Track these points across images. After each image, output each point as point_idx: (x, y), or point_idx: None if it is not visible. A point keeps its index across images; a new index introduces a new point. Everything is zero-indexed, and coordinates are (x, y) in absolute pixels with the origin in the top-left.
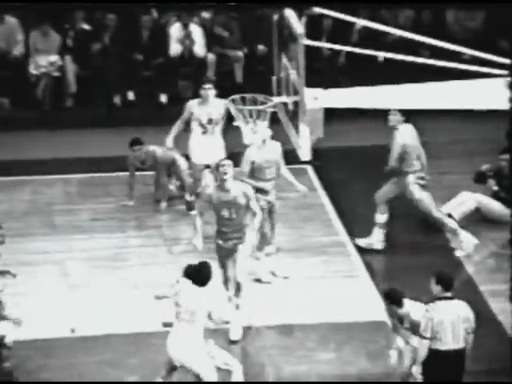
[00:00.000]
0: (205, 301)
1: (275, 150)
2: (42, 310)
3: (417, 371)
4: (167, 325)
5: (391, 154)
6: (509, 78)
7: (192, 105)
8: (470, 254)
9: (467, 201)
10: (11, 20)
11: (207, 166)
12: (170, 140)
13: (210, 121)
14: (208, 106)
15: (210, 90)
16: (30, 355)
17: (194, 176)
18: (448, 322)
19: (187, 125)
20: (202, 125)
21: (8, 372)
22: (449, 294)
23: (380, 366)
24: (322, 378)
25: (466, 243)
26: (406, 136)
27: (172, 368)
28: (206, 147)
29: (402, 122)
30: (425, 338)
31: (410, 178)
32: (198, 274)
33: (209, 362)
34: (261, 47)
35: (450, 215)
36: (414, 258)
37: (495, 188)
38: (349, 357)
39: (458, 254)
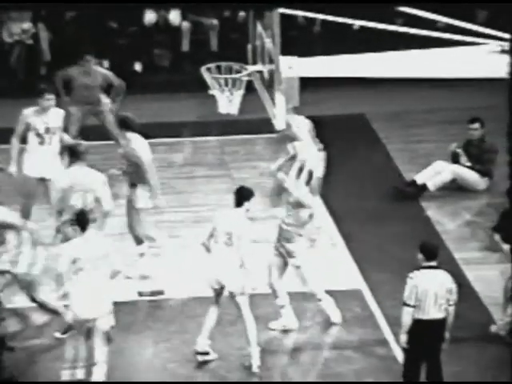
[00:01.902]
0: (241, 222)
1: None
2: None
3: (403, 340)
4: (144, 294)
5: None
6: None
7: (28, 114)
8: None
9: (443, 171)
10: None
11: (42, 179)
12: (13, 167)
13: (48, 130)
14: (46, 116)
15: (51, 101)
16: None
17: (26, 191)
18: (432, 291)
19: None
20: (38, 134)
21: (9, 373)
22: (433, 264)
23: (355, 333)
24: (297, 346)
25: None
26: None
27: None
28: (42, 159)
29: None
30: (408, 305)
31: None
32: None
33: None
34: (241, 13)
35: (424, 185)
36: (388, 227)
37: (467, 164)
38: (324, 325)
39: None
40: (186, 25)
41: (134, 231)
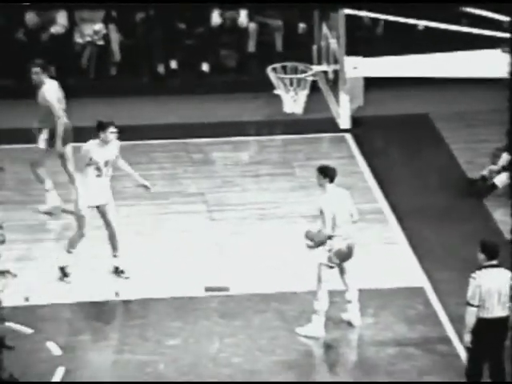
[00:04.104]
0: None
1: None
2: (88, 273)
3: (467, 340)
4: (211, 289)
5: None
6: None
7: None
8: None
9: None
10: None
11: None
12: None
13: (107, 163)
14: (106, 149)
15: (114, 134)
16: (71, 318)
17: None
18: (494, 289)
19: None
20: (98, 168)
21: (9, 373)
22: (494, 262)
23: (417, 330)
24: (360, 343)
25: None
26: None
27: None
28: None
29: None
30: (472, 305)
31: None
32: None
33: None
34: (302, 25)
35: (493, 183)
36: (452, 225)
37: None
38: (387, 322)
39: None
40: (252, 26)
41: (34, 169)
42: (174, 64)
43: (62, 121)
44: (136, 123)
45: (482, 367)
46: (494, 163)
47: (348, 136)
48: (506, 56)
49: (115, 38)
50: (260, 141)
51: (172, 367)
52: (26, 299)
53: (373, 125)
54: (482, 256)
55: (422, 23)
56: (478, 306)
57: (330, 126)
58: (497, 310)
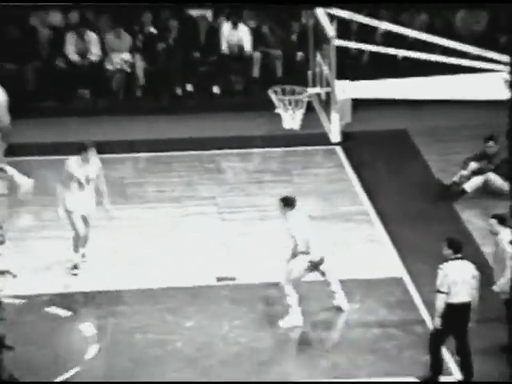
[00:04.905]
0: None
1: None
2: (117, 263)
3: (437, 323)
4: (221, 279)
5: None
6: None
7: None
8: None
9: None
10: (92, 35)
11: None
12: (61, 212)
13: (87, 179)
14: (87, 167)
15: (94, 154)
16: (100, 303)
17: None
18: (460, 278)
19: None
20: (80, 183)
21: (8, 373)
22: (459, 255)
23: (397, 314)
24: (348, 325)
25: None
26: None
27: None
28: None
29: None
30: (442, 292)
31: None
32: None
33: None
34: (300, 54)
35: (463, 189)
36: (425, 225)
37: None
38: (371, 307)
39: None
40: (256, 55)
41: None
42: (189, 87)
43: None
44: (157, 137)
45: (443, 343)
46: (464, 170)
47: (338, 148)
48: (469, 80)
49: (140, 65)
50: (263, 152)
51: (188, 345)
52: (66, 287)
53: (359, 139)
54: (448, 251)
55: (401, 53)
56: (446, 293)
57: (323, 139)
58: (462, 296)
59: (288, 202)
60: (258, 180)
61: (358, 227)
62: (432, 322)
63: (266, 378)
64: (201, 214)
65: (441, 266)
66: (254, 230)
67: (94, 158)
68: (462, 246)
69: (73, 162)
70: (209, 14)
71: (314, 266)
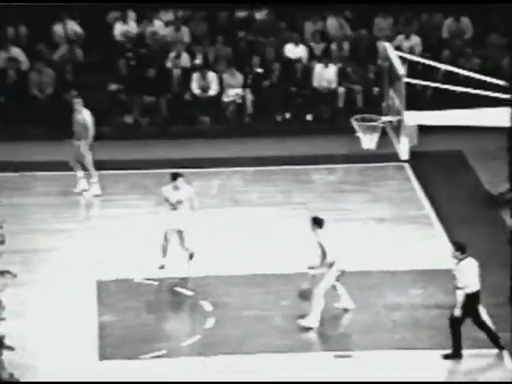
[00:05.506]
0: None
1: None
2: (228, 253)
3: (457, 313)
4: (311, 268)
5: None
6: None
7: (165, 190)
8: None
9: None
10: (212, 75)
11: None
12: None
13: (179, 201)
14: (179, 192)
15: (183, 182)
16: (216, 285)
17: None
18: (472, 272)
19: None
20: (172, 204)
21: (9, 373)
22: (466, 255)
23: (452, 298)
24: (413, 307)
25: None
26: None
27: None
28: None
29: None
30: (461, 288)
31: None
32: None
33: None
34: (376, 89)
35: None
36: (476, 226)
37: None
38: (431, 292)
39: None
40: (341, 89)
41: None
42: (288, 115)
43: None
44: (261, 155)
45: (461, 328)
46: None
47: (406, 165)
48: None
49: (249, 97)
50: (345, 167)
51: (285, 320)
52: (182, 279)
53: (423, 157)
54: (457, 253)
55: (458, 89)
56: (463, 288)
57: (394, 158)
58: (474, 286)
59: (318, 222)
60: (340, 189)
61: (422, 227)
62: (453, 312)
63: (348, 346)
64: (294, 216)
65: (456, 268)
66: (337, 229)
67: (184, 184)
68: (466, 247)
69: (166, 189)
70: (304, 56)
71: (342, 274)
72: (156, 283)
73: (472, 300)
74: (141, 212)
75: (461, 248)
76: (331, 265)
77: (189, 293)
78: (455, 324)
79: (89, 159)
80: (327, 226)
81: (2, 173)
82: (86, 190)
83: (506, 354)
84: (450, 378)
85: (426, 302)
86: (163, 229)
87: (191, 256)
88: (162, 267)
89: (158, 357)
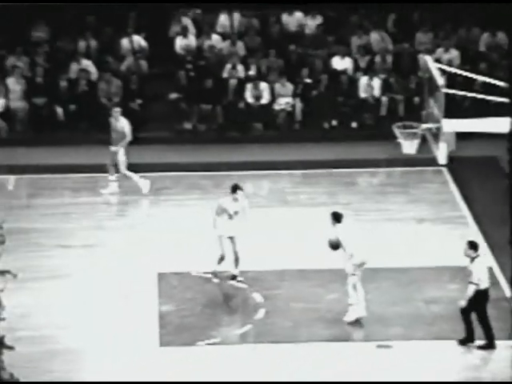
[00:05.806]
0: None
1: None
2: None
3: (462, 304)
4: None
5: None
6: None
7: (224, 202)
8: None
9: None
10: (264, 85)
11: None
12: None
13: (236, 212)
14: (236, 203)
15: (241, 195)
16: (267, 279)
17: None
18: (484, 270)
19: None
20: (229, 215)
21: (9, 373)
22: (478, 253)
23: None
24: (450, 301)
25: None
26: None
27: None
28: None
29: None
30: (475, 284)
31: None
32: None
33: None
34: (416, 98)
35: None
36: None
37: None
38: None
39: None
40: (384, 99)
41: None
42: (334, 122)
43: None
44: (308, 159)
45: (471, 318)
46: None
47: (444, 169)
48: None
49: (298, 106)
50: (387, 171)
51: (331, 312)
52: (233, 276)
53: (461, 162)
54: (470, 251)
55: (493, 98)
56: (476, 284)
57: (433, 162)
58: (485, 283)
59: (337, 217)
60: (383, 191)
61: (459, 227)
62: (459, 303)
63: (390, 333)
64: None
65: (471, 265)
66: (379, 227)
67: (241, 196)
68: (478, 245)
69: (226, 200)
70: (350, 68)
71: (360, 267)
72: (212, 276)
73: (483, 296)
74: (199, 210)
75: (474, 247)
76: (360, 265)
77: (242, 285)
78: (464, 314)
79: (124, 163)
80: (365, 225)
81: (75, 174)
82: (114, 194)
83: (493, 352)
84: (481, 366)
85: (462, 296)
86: (219, 234)
87: (237, 260)
88: (220, 262)
89: (213, 344)
